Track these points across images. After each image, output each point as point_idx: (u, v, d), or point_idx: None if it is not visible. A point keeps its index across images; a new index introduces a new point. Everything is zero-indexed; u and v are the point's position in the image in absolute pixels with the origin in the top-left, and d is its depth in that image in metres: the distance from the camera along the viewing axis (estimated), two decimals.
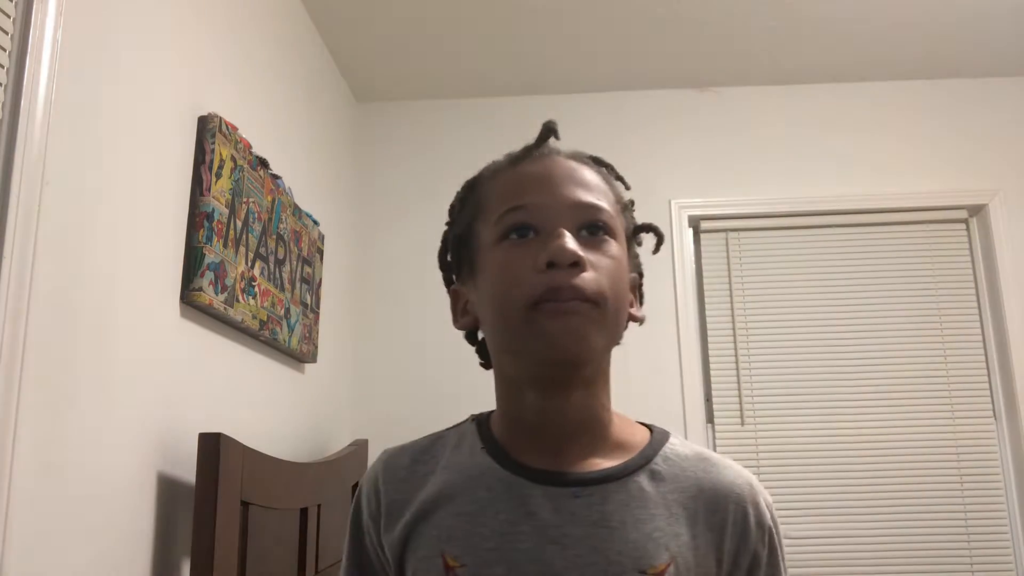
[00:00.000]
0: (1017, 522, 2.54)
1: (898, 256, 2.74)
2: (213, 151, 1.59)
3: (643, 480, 0.72)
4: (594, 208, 0.72)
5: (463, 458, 0.76)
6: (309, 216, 2.19)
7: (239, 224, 1.70)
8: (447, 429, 0.81)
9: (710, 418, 2.68)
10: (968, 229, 2.77)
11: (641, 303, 0.79)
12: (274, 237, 1.91)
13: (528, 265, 0.68)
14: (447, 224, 0.82)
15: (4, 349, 1.02)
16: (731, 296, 2.74)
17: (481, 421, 0.79)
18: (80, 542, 1.19)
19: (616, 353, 0.75)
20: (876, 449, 2.59)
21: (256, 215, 1.79)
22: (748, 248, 2.78)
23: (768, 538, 0.73)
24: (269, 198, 1.87)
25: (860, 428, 2.61)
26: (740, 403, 2.66)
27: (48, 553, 1.12)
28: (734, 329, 2.71)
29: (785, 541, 0.76)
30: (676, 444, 0.76)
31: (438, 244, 0.83)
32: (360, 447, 2.28)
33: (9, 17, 1.10)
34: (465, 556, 0.69)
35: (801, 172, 2.79)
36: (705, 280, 2.77)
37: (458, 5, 2.39)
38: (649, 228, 0.82)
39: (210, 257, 1.55)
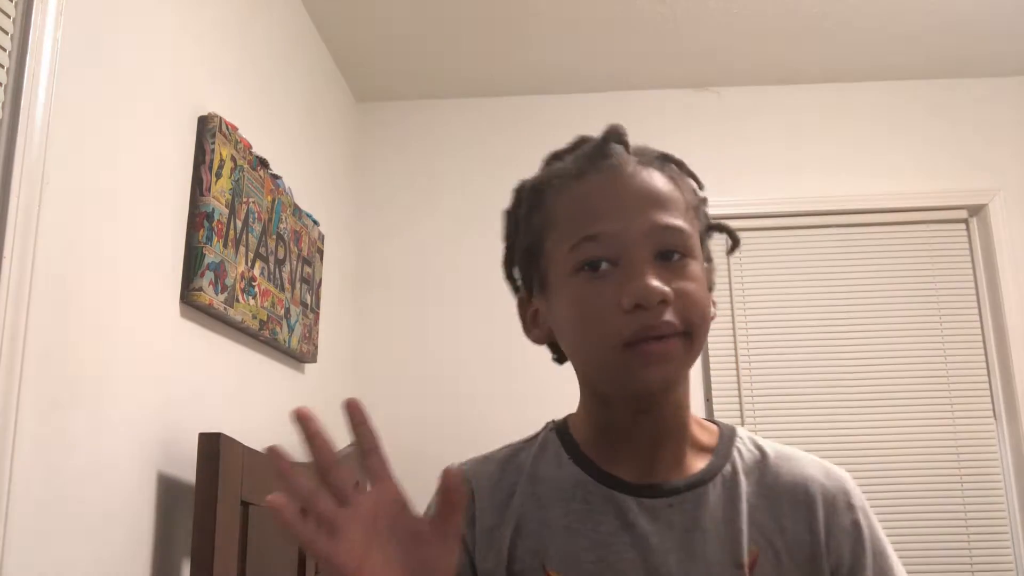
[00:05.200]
0: (1017, 522, 2.54)
1: (898, 256, 2.74)
2: (213, 151, 1.59)
3: (726, 479, 0.74)
4: (671, 231, 0.69)
5: (550, 469, 0.75)
6: (309, 216, 2.19)
7: (239, 224, 1.70)
8: (523, 440, 0.80)
9: (710, 418, 2.67)
10: (968, 229, 2.77)
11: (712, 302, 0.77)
12: (274, 237, 1.91)
13: (610, 304, 0.66)
14: (508, 230, 0.79)
15: (4, 349, 1.02)
16: (731, 296, 2.74)
17: (561, 429, 0.78)
18: (80, 542, 1.19)
19: None
20: (876, 449, 2.59)
21: (256, 215, 1.79)
22: (748, 248, 2.78)
23: (855, 517, 0.77)
24: (269, 198, 1.87)
25: (860, 428, 2.61)
26: (740, 403, 2.66)
27: (48, 553, 1.11)
28: (734, 329, 2.71)
29: None
30: (746, 440, 0.80)
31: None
32: None
33: (9, 17, 1.10)
34: (567, 569, 0.70)
35: (801, 172, 2.79)
36: None
37: (458, 5, 2.39)
38: (722, 228, 0.81)
39: (210, 257, 1.55)
